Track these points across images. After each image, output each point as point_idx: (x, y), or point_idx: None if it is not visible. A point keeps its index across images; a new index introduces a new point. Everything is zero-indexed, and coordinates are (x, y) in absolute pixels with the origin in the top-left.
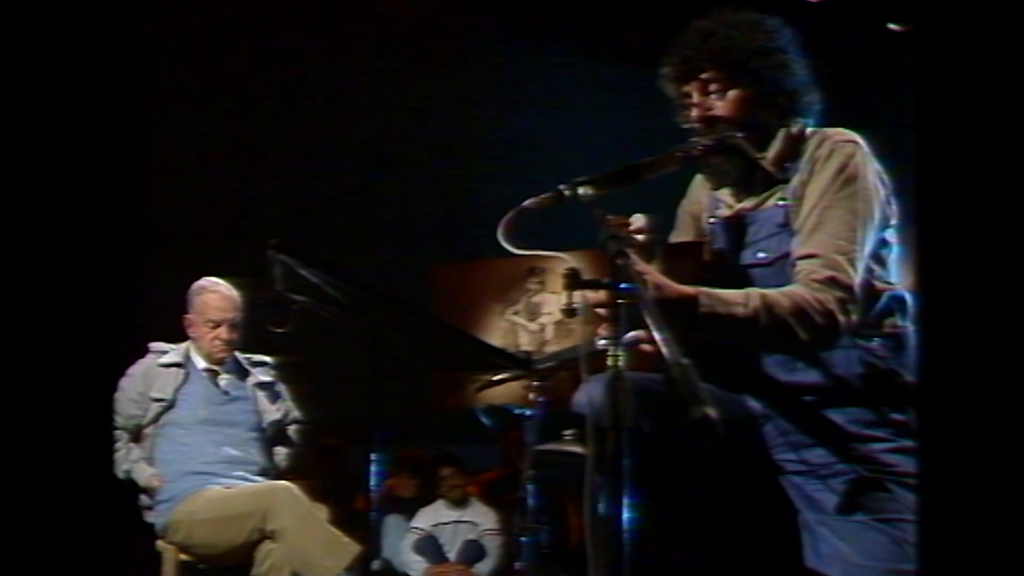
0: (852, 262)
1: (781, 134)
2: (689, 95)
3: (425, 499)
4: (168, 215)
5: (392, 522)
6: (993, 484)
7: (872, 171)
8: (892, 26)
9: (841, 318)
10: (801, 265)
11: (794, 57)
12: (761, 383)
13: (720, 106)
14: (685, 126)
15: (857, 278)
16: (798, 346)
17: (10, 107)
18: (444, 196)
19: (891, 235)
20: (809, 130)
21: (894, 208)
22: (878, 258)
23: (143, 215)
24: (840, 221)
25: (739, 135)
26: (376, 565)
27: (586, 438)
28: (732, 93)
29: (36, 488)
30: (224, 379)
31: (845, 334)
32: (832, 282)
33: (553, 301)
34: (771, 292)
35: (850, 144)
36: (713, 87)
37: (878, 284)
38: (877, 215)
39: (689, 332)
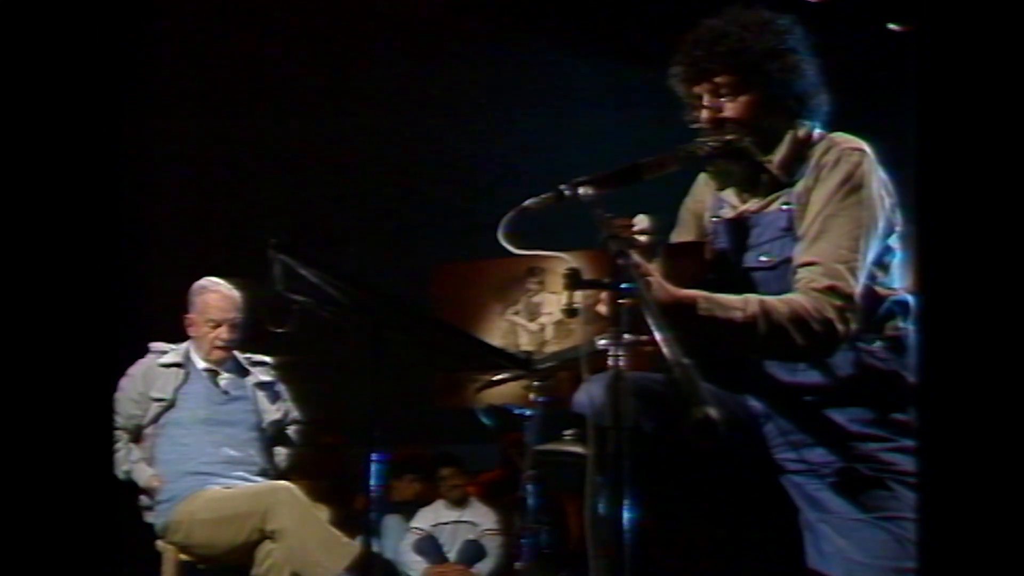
0: (853, 271)
1: (788, 137)
2: (699, 96)
3: (424, 499)
4: (168, 215)
5: (392, 522)
6: (993, 483)
7: (877, 180)
8: (892, 26)
9: (840, 327)
10: (802, 272)
11: (805, 58)
12: (762, 383)
13: (730, 108)
14: (694, 126)
15: (857, 287)
16: (796, 353)
17: (10, 107)
18: (444, 196)
19: (895, 242)
20: (816, 133)
21: (898, 216)
22: (881, 264)
23: (143, 215)
24: (843, 230)
25: (747, 139)
26: (376, 565)
27: (586, 438)
28: (743, 97)
29: (36, 488)
30: (224, 379)
31: (844, 343)
32: (832, 291)
33: (553, 301)
34: (770, 299)
35: (857, 152)
36: (724, 90)
37: (880, 290)
38: (881, 224)
39: (687, 335)
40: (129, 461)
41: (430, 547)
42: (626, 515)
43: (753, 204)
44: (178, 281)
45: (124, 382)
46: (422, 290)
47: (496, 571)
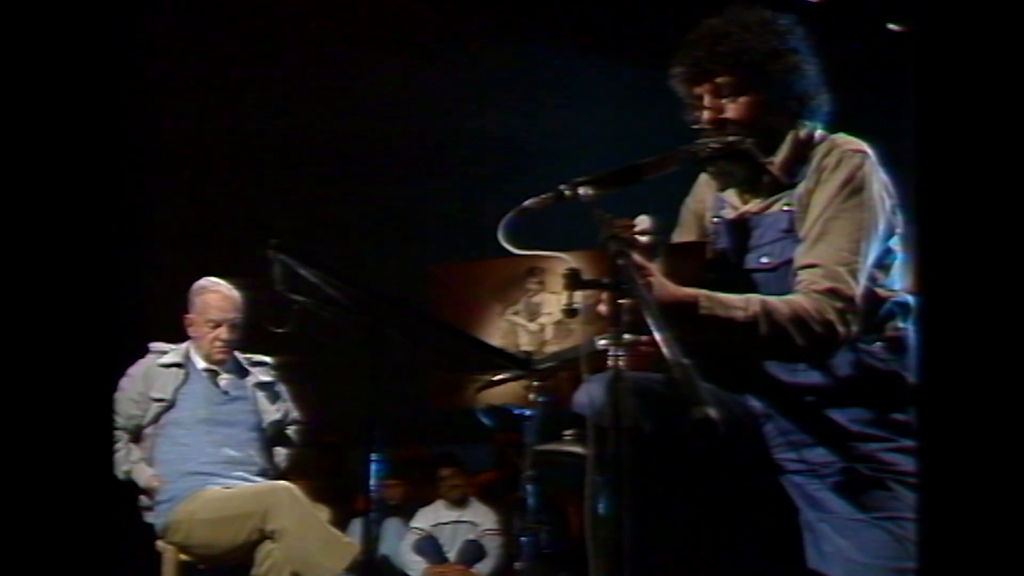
0: (854, 274)
1: (789, 138)
2: (700, 97)
3: (422, 500)
4: (168, 215)
5: (391, 522)
6: (993, 483)
7: (879, 182)
8: (892, 26)
9: (840, 329)
10: (803, 275)
11: (806, 58)
12: (762, 383)
13: (732, 109)
14: (695, 127)
15: (858, 289)
16: (796, 354)
17: (10, 107)
18: (444, 196)
19: (895, 244)
20: (818, 134)
21: (899, 218)
22: (882, 266)
23: (143, 215)
24: (844, 232)
25: (748, 140)
26: (376, 565)
27: (586, 438)
28: (744, 98)
29: (36, 488)
30: (224, 379)
31: (844, 345)
32: (832, 293)
33: (553, 301)
34: (771, 299)
35: (858, 154)
36: (725, 91)
37: (881, 292)
38: (882, 226)
39: (688, 333)
40: (129, 461)
41: (430, 547)
42: (626, 515)
43: (754, 205)
44: (178, 281)
45: (124, 382)
46: (422, 290)
47: (496, 571)
